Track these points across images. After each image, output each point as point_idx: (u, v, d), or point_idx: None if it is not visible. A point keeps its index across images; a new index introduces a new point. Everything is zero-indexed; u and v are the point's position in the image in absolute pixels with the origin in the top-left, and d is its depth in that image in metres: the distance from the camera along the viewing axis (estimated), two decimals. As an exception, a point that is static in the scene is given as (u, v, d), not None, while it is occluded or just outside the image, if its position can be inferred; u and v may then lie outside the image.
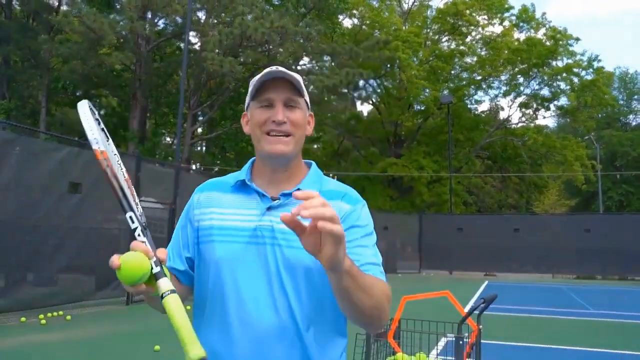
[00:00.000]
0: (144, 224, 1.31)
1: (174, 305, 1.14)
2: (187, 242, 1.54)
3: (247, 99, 1.51)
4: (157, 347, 6.32)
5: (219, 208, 1.50)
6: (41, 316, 8.30)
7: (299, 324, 1.38)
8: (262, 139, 1.44)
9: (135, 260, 1.15)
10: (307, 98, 1.51)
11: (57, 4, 25.20)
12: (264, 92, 1.44)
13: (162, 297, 1.16)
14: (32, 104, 26.14)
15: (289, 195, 1.45)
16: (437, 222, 25.50)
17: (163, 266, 1.21)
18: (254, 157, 1.57)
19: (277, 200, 1.45)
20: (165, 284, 1.17)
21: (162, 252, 1.24)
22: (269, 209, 1.44)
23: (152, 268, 1.18)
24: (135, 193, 1.39)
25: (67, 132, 22.96)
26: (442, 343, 4.13)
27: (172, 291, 1.17)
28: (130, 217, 1.25)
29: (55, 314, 8.69)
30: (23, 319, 8.12)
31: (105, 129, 1.40)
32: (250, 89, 1.48)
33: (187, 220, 1.55)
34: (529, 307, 11.91)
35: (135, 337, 7.56)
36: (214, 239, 1.46)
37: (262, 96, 1.45)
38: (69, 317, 8.53)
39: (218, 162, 30.73)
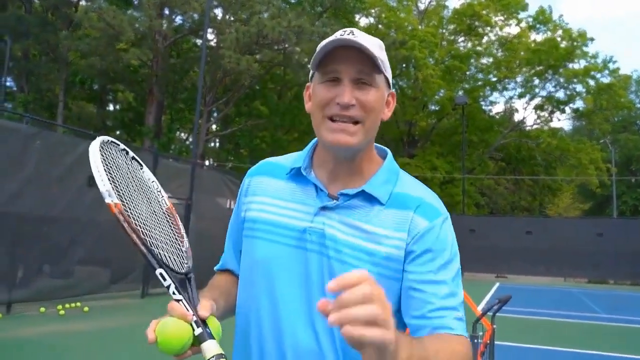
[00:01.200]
0: (188, 266, 1.15)
1: None
2: (239, 236, 1.33)
3: (312, 67, 1.20)
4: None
5: (268, 198, 1.26)
6: (59, 307, 8.48)
7: (339, 352, 1.13)
8: (323, 125, 1.16)
9: (172, 330, 1.00)
10: (388, 74, 1.19)
11: (76, -1, 25.49)
12: (330, 62, 1.14)
13: None
14: (50, 97, 26.47)
15: (350, 196, 1.19)
16: (449, 223, 25.43)
17: (209, 321, 1.05)
18: (317, 139, 1.27)
19: (335, 201, 1.19)
20: (209, 348, 1.00)
21: (204, 308, 1.05)
22: (324, 209, 1.19)
23: (193, 331, 1.02)
24: (180, 225, 1.24)
25: (84, 126, 23.28)
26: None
27: (220, 356, 0.98)
28: (161, 275, 1.07)
29: (73, 305, 8.87)
30: (42, 309, 8.31)
31: (136, 157, 1.24)
32: (315, 55, 1.16)
33: (237, 209, 1.35)
34: (541, 309, 11.91)
35: (151, 329, 7.68)
36: (257, 234, 1.24)
37: (328, 67, 1.15)
38: (86, 309, 8.70)
39: (231, 158, 30.91)
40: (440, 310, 1.10)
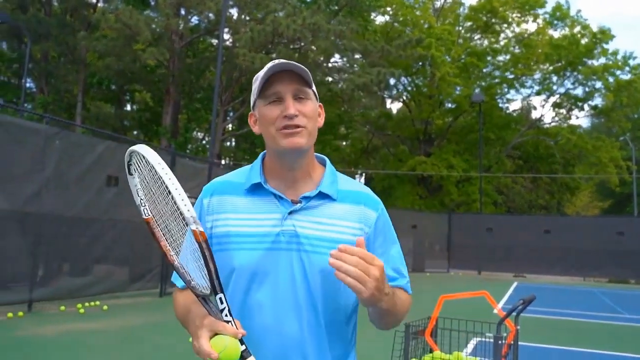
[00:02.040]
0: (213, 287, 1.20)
1: None
2: None
3: (253, 97, 1.44)
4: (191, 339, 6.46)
5: (234, 213, 1.42)
6: (79, 305, 8.57)
7: (324, 332, 1.36)
8: (277, 135, 1.38)
9: (232, 350, 1.16)
10: (314, 88, 1.44)
11: (94, 1, 25.72)
12: (270, 87, 1.38)
13: None
14: (68, 98, 26.77)
15: (310, 198, 1.41)
16: (466, 222, 25.27)
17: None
18: (263, 154, 1.51)
19: (299, 204, 1.40)
20: None
21: (240, 327, 1.20)
22: (291, 213, 1.38)
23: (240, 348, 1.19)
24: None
25: (102, 126, 23.51)
26: (473, 342, 4.15)
27: None
28: (220, 299, 1.18)
29: (92, 303, 8.96)
30: (62, 307, 8.41)
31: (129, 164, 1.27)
32: (254, 86, 1.42)
33: None
34: (561, 309, 11.75)
35: (169, 327, 7.72)
36: (232, 247, 1.39)
37: (270, 90, 1.38)
38: (105, 307, 8.77)
39: (248, 157, 30.99)
40: (395, 278, 1.45)
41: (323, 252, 1.33)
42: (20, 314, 7.74)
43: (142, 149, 1.22)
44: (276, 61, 1.38)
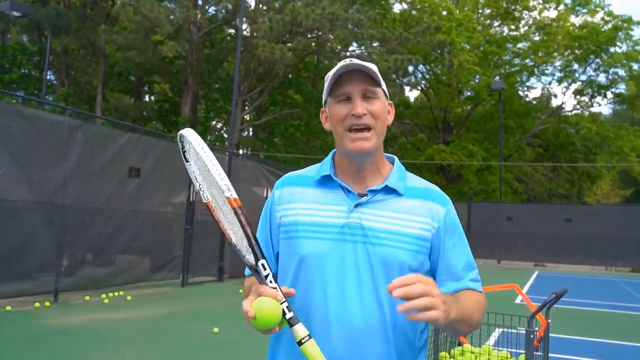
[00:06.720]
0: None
1: (314, 351, 1.22)
2: (271, 240, 1.54)
3: (324, 95, 1.49)
4: (216, 330, 6.51)
5: (303, 203, 1.48)
6: (103, 295, 8.69)
7: (388, 322, 1.36)
8: (345, 137, 1.42)
9: (269, 309, 1.21)
10: (384, 87, 1.48)
11: (113, -8, 25.82)
12: (340, 86, 1.42)
13: (300, 343, 1.22)
14: (88, 90, 27.01)
15: (376, 191, 1.44)
16: (485, 211, 25.05)
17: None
18: (334, 150, 1.55)
19: (365, 197, 1.43)
20: (301, 330, 1.23)
21: (286, 292, 1.29)
22: (357, 205, 1.42)
23: (284, 314, 1.24)
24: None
25: (122, 117, 23.70)
26: (495, 335, 4.11)
27: (309, 336, 1.23)
28: (262, 265, 1.28)
29: (116, 293, 9.08)
30: (87, 297, 8.53)
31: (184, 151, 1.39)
32: (326, 84, 1.46)
33: (268, 218, 1.55)
34: (584, 300, 11.62)
35: (192, 317, 7.82)
36: (300, 235, 1.44)
37: (339, 91, 1.42)
38: (129, 297, 8.89)
39: (266, 147, 31.03)
40: (464, 276, 1.45)
41: (387, 245, 1.38)
42: (47, 303, 7.87)
43: (185, 131, 1.34)
44: (347, 60, 1.42)
